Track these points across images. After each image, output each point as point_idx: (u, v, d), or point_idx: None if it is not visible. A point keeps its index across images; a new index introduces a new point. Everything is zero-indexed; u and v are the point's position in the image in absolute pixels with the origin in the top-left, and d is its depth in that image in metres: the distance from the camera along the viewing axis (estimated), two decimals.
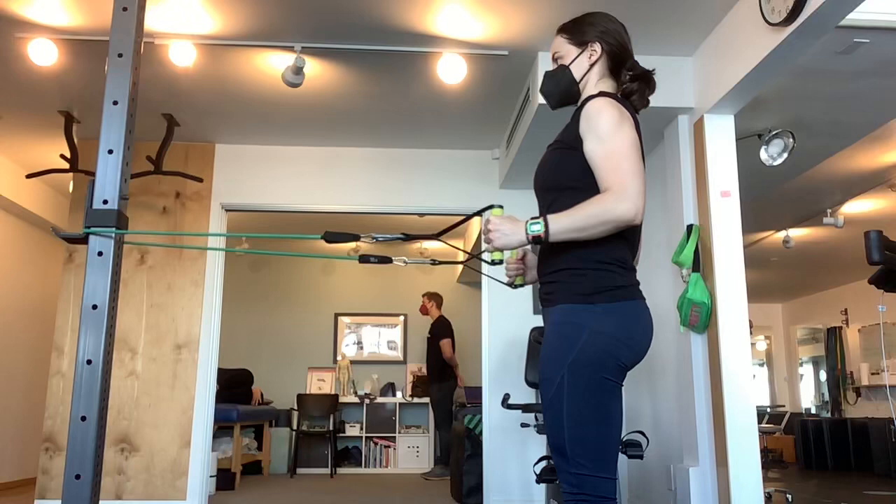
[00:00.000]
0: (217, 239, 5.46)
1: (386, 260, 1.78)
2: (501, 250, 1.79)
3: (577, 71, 1.93)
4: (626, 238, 1.80)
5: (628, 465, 4.99)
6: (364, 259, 1.77)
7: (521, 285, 1.99)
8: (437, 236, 1.90)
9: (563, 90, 1.95)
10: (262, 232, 7.69)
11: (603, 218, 1.67)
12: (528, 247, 1.83)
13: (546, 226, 1.70)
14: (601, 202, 1.68)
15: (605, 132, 1.74)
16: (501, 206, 1.84)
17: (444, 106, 4.66)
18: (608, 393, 1.70)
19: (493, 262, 1.82)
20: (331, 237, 1.72)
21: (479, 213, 1.89)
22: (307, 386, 8.42)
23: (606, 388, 1.70)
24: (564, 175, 1.81)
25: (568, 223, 1.69)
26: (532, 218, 1.73)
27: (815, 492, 6.66)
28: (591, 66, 1.92)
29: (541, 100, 3.88)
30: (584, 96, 1.93)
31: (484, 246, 1.80)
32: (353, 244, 8.21)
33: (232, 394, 7.05)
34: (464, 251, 1.99)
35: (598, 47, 1.91)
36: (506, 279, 2.00)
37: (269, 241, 8.56)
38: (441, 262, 1.87)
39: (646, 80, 1.92)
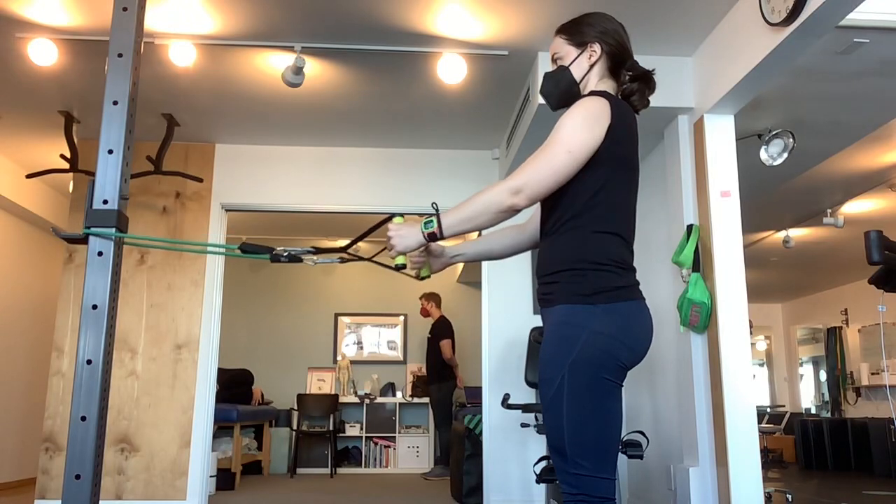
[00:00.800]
0: (217, 240, 5.46)
1: (296, 259, 1.85)
2: (403, 254, 1.86)
3: (576, 71, 1.93)
4: (623, 238, 1.80)
5: (628, 465, 4.99)
6: (275, 259, 1.82)
7: (428, 276, 2.05)
8: (343, 249, 1.96)
9: (563, 91, 1.95)
10: (262, 232, 7.69)
11: (485, 206, 1.74)
12: (440, 242, 1.90)
13: (438, 222, 1.78)
14: (486, 191, 1.75)
15: (564, 124, 1.76)
16: (402, 215, 1.94)
17: (444, 106, 4.66)
18: (608, 393, 1.70)
19: (396, 268, 1.89)
20: (246, 248, 1.80)
21: (383, 224, 1.95)
22: (307, 386, 8.42)
23: (606, 389, 1.70)
24: None
25: (457, 216, 1.77)
26: (426, 216, 1.81)
27: (815, 492, 6.66)
28: (591, 66, 1.92)
29: (541, 100, 3.88)
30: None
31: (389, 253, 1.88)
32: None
33: (232, 394, 7.05)
34: (359, 257, 2.05)
35: (597, 48, 1.92)
36: (413, 272, 2.06)
37: (269, 242, 8.56)
38: (349, 259, 1.94)
39: (645, 80, 1.92)
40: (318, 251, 1.91)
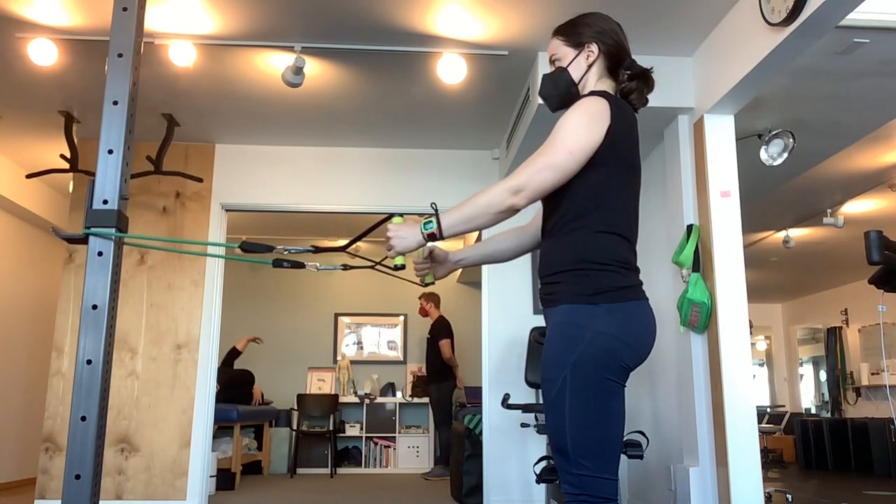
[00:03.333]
0: (218, 240, 5.46)
1: (298, 265, 1.86)
2: (403, 254, 1.85)
3: (575, 72, 1.93)
4: (626, 238, 1.80)
5: (628, 465, 4.99)
6: (277, 264, 1.82)
7: (432, 283, 2.06)
8: (344, 248, 1.96)
9: (562, 92, 1.95)
10: (262, 232, 7.70)
11: (485, 206, 1.74)
12: (437, 243, 1.89)
13: (438, 222, 1.77)
14: (487, 190, 1.75)
15: (564, 124, 1.76)
16: (401, 215, 1.93)
17: (444, 106, 4.66)
18: (610, 393, 1.70)
19: (395, 268, 1.88)
20: (247, 247, 1.80)
21: (382, 223, 1.95)
22: (307, 386, 8.42)
23: (609, 389, 1.69)
24: None
25: (457, 216, 1.77)
26: (425, 217, 1.81)
27: (815, 492, 6.66)
28: (589, 66, 1.92)
29: (541, 100, 3.88)
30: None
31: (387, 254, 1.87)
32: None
33: (233, 394, 7.05)
34: (366, 258, 2.05)
35: (595, 48, 1.92)
36: (417, 279, 2.06)
37: (269, 242, 8.56)
38: (352, 268, 1.94)
39: (644, 79, 1.92)
40: (318, 250, 1.91)
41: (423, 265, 2.05)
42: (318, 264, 1.95)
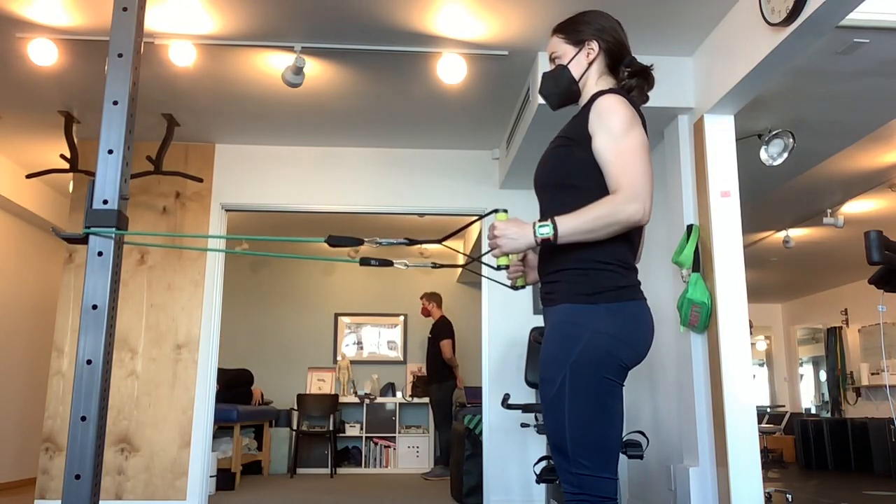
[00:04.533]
0: (217, 240, 5.46)
1: (387, 263, 1.75)
2: (508, 255, 1.77)
3: (575, 70, 1.93)
4: (628, 238, 1.79)
5: (628, 465, 4.99)
6: (365, 262, 1.75)
7: (523, 286, 1.97)
8: (441, 241, 1.88)
9: (563, 90, 1.95)
10: (262, 232, 7.69)
11: (612, 219, 1.67)
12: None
13: (555, 228, 1.69)
14: (611, 203, 1.68)
15: (618, 130, 1.74)
16: (506, 210, 1.82)
17: (444, 106, 4.66)
18: (609, 393, 1.70)
19: (498, 268, 1.80)
20: (334, 241, 1.70)
21: (481, 218, 1.88)
22: (307, 386, 8.42)
23: (608, 389, 1.70)
24: (566, 173, 1.82)
25: (577, 225, 1.68)
26: (540, 220, 1.72)
27: (815, 492, 6.66)
28: (590, 64, 1.92)
29: (541, 100, 3.88)
30: (584, 95, 1.93)
31: (491, 250, 1.77)
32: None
33: (232, 394, 7.05)
34: (467, 255, 1.97)
35: (595, 45, 1.91)
36: (507, 281, 1.99)
37: (270, 242, 8.56)
38: (442, 266, 1.85)
39: (644, 76, 1.92)
40: (412, 242, 1.83)
41: (516, 268, 1.96)
42: (406, 261, 1.85)
